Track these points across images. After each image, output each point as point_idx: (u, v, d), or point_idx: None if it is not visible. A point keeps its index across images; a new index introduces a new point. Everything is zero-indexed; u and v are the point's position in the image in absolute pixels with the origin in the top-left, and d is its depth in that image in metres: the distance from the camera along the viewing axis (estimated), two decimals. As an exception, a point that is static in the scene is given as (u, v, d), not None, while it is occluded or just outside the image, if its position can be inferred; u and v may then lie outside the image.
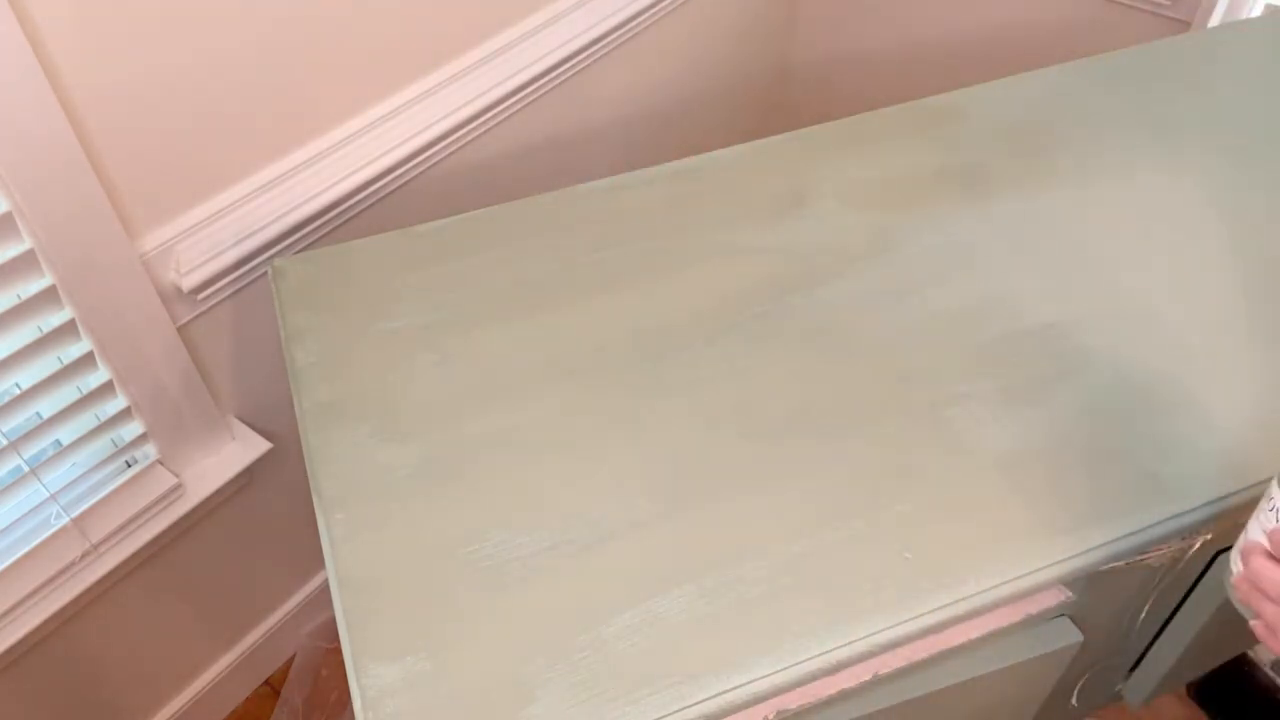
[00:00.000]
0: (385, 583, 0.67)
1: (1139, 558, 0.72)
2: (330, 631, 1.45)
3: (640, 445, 0.75)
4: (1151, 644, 0.94)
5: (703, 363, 0.81)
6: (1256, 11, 1.33)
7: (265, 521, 1.29)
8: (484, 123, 1.25)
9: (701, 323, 0.84)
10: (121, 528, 1.06)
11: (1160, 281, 0.86)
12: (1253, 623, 0.56)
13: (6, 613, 1.00)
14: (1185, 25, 1.38)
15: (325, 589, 1.45)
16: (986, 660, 0.73)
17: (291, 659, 1.45)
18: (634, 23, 1.41)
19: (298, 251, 1.09)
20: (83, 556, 1.04)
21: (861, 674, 0.67)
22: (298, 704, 1.40)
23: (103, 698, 1.22)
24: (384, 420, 0.77)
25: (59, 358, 0.95)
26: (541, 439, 0.75)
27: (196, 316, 1.04)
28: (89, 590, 1.05)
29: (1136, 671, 0.98)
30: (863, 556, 0.67)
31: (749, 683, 0.61)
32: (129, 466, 1.08)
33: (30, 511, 1.00)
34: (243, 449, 1.15)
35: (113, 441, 1.05)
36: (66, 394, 0.97)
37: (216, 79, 0.95)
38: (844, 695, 0.68)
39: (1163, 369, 0.79)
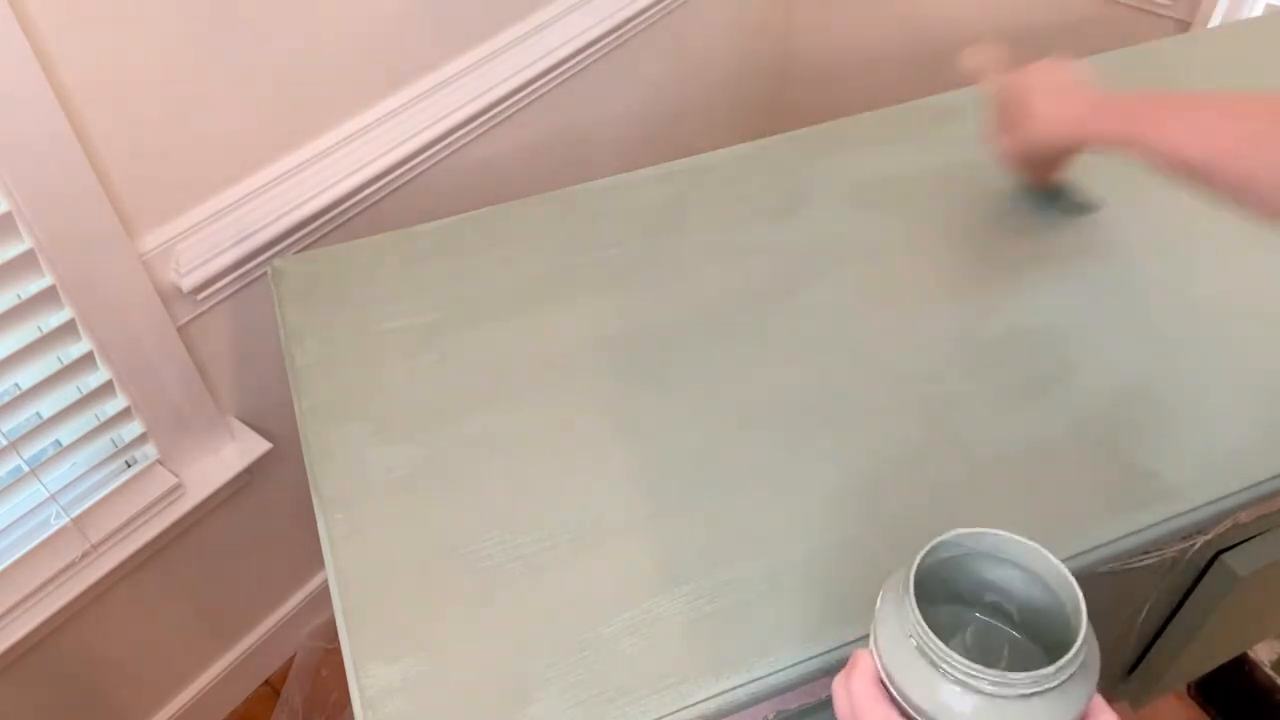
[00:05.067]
0: (385, 583, 0.67)
1: (1139, 558, 0.72)
2: (330, 631, 1.45)
3: (640, 445, 0.75)
4: (1151, 644, 0.94)
5: (702, 362, 0.81)
6: (1257, 11, 1.33)
7: (265, 521, 1.29)
8: (484, 123, 1.25)
9: (701, 323, 0.84)
10: (121, 528, 1.06)
11: (1162, 280, 0.86)
12: None
13: (6, 613, 1.00)
14: (1185, 25, 1.38)
15: (325, 589, 1.45)
16: (986, 660, 0.73)
17: (291, 659, 1.45)
18: (634, 23, 1.41)
19: (298, 251, 1.09)
20: (83, 556, 1.04)
21: (861, 674, 0.67)
22: (297, 704, 1.40)
23: (103, 698, 1.22)
24: (384, 420, 0.77)
25: (59, 358, 0.95)
26: (541, 439, 0.75)
27: (196, 316, 1.05)
28: (89, 590, 1.06)
29: (1136, 671, 0.98)
30: (862, 556, 0.67)
31: (749, 683, 0.61)
32: (129, 466, 1.08)
33: (30, 511, 1.00)
34: (243, 449, 1.15)
35: (113, 441, 1.05)
36: (66, 394, 0.97)
37: (216, 79, 0.95)
38: (844, 695, 0.68)
39: (1163, 368, 0.79)
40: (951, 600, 0.50)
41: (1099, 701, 0.45)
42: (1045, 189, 0.91)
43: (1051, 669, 0.42)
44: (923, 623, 0.43)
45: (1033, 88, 0.77)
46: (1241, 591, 0.82)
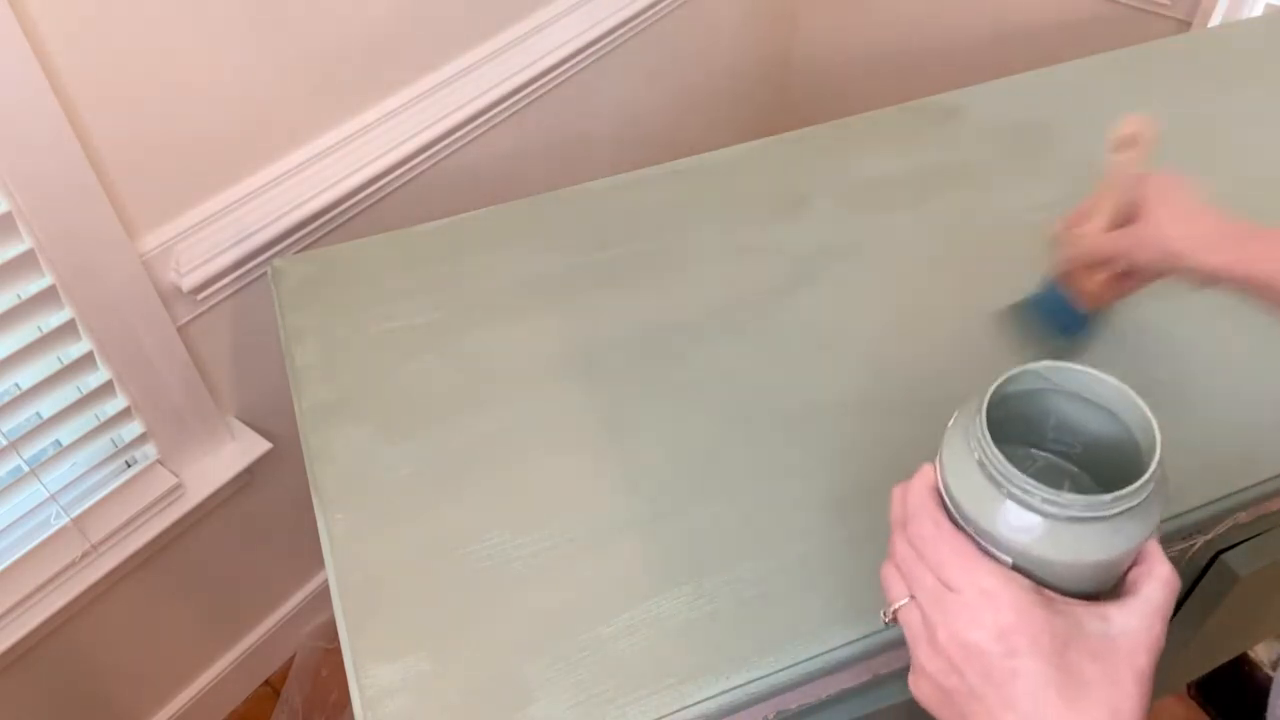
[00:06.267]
0: (385, 583, 0.67)
1: (1139, 558, 0.72)
2: (330, 631, 1.45)
3: (640, 445, 0.75)
4: (1151, 644, 0.93)
5: (702, 362, 0.81)
6: (1257, 11, 1.33)
7: (265, 521, 1.29)
8: (484, 123, 1.25)
9: (701, 322, 0.84)
10: (121, 528, 1.06)
11: (1159, 279, 0.86)
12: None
13: (6, 613, 1.00)
14: (1185, 25, 1.38)
15: (325, 589, 1.45)
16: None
17: (291, 659, 1.45)
18: (634, 23, 1.41)
19: (298, 251, 1.09)
20: (83, 556, 1.04)
21: (861, 674, 0.67)
22: (297, 704, 1.40)
23: (103, 698, 1.22)
24: (384, 420, 0.77)
25: (59, 358, 0.95)
26: (541, 439, 0.75)
27: (196, 316, 1.04)
28: (89, 590, 1.05)
29: (1136, 671, 0.98)
30: (863, 556, 0.67)
31: (749, 683, 0.61)
32: (129, 466, 1.08)
33: (30, 511, 1.00)
34: (243, 449, 1.15)
35: (113, 441, 1.05)
36: (66, 394, 0.97)
37: (216, 79, 0.95)
38: (844, 695, 0.68)
39: (1163, 368, 0.79)
40: (1024, 440, 0.51)
41: (1155, 549, 0.45)
42: (1088, 303, 0.75)
43: (1109, 497, 0.42)
44: (987, 436, 0.44)
45: (1161, 197, 0.67)
46: (1241, 591, 0.82)
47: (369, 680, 0.62)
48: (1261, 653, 1.31)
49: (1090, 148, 1.00)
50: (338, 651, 1.43)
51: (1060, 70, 1.10)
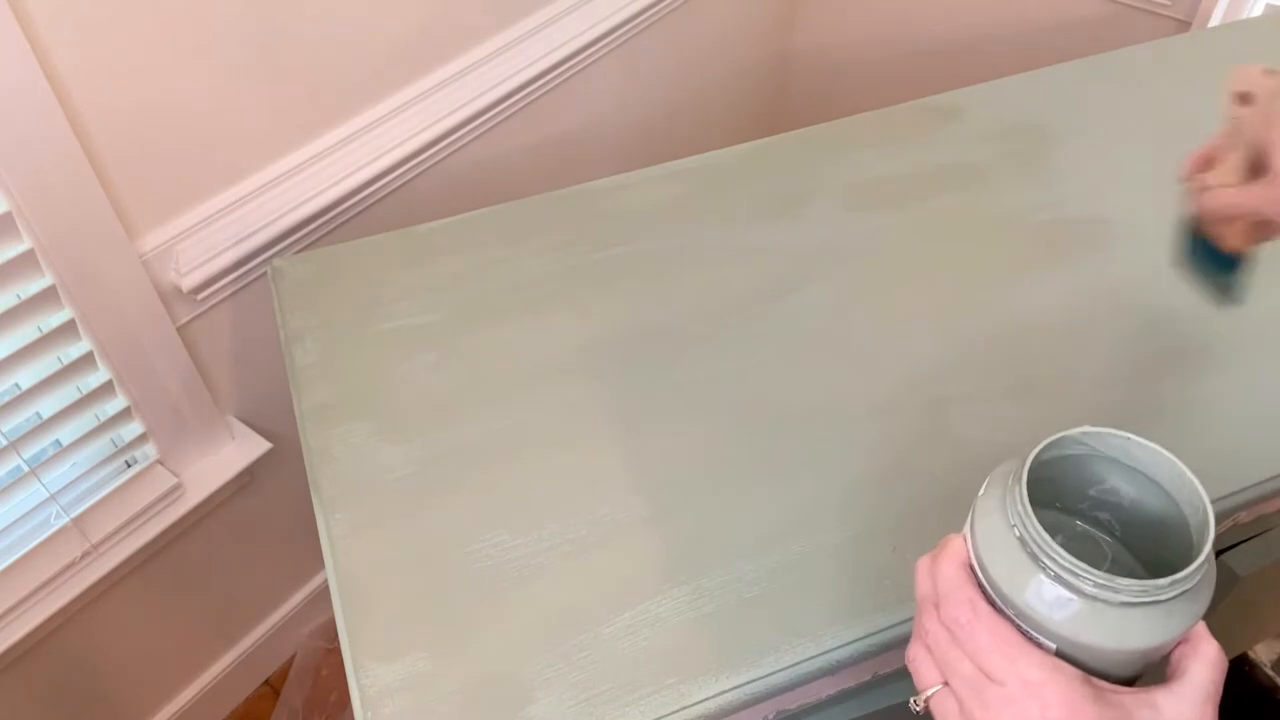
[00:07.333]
0: (385, 583, 0.67)
1: (1139, 558, 0.72)
2: (330, 631, 1.45)
3: (639, 445, 0.75)
4: (1151, 644, 0.93)
5: (702, 362, 0.81)
6: (1257, 11, 1.33)
7: (265, 521, 1.29)
8: (484, 123, 1.25)
9: (701, 323, 0.84)
10: (121, 528, 1.06)
11: (1159, 280, 0.86)
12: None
13: (6, 613, 1.00)
14: (1185, 25, 1.38)
15: (325, 589, 1.45)
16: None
17: (291, 659, 1.45)
18: (633, 23, 1.41)
19: (297, 251, 1.09)
20: (83, 556, 1.04)
21: (861, 674, 0.67)
22: (297, 704, 1.40)
23: (103, 697, 1.22)
24: (384, 420, 0.77)
25: (59, 358, 0.95)
26: (541, 439, 0.75)
27: (196, 316, 1.05)
28: (89, 590, 1.06)
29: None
30: (862, 556, 0.67)
31: (749, 683, 0.61)
32: (129, 466, 1.08)
33: (30, 511, 1.00)
34: (243, 449, 1.15)
35: (112, 441, 1.05)
36: (66, 394, 0.97)
37: (216, 79, 0.95)
38: (844, 695, 0.68)
39: (1162, 368, 0.79)
40: (1054, 506, 0.48)
41: (1203, 629, 0.42)
42: (1228, 253, 0.73)
43: (1166, 581, 0.39)
44: (1030, 512, 0.41)
45: None
46: (1241, 591, 0.82)
47: (369, 680, 0.62)
48: (1261, 653, 1.31)
49: (1090, 148, 1.00)
50: (338, 651, 1.43)
51: (1060, 70, 1.10)
